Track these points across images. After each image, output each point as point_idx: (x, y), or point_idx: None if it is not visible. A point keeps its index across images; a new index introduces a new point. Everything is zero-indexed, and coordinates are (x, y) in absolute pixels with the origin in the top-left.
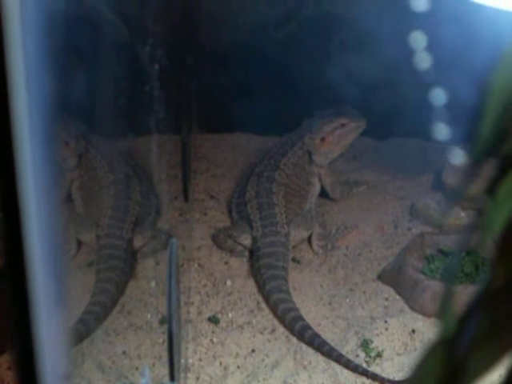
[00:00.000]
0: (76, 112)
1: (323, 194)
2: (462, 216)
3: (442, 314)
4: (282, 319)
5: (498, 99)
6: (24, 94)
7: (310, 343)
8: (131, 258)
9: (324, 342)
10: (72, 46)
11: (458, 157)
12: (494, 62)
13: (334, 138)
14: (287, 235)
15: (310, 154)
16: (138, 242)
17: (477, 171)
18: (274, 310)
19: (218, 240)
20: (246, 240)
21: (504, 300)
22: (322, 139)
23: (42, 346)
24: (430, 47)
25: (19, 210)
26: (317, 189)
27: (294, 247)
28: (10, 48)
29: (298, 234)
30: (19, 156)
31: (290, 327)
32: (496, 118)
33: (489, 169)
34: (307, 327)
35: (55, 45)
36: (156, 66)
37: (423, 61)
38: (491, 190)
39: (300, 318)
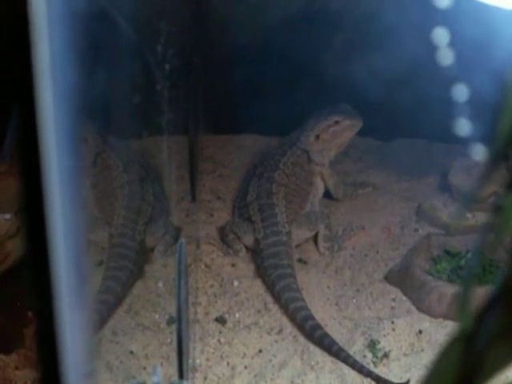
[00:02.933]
0: (90, 111)
1: (328, 195)
2: (468, 217)
3: (459, 310)
4: (292, 318)
5: None
6: (50, 88)
7: (319, 342)
8: (141, 259)
9: (333, 342)
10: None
11: (470, 156)
12: None
13: (328, 136)
14: (288, 234)
15: (307, 152)
16: (150, 243)
17: (494, 170)
18: (285, 308)
19: (223, 232)
20: (249, 241)
21: None
22: (317, 137)
23: (66, 344)
24: (442, 46)
25: (44, 211)
26: (319, 189)
27: (297, 246)
28: (37, 42)
29: (300, 234)
30: (44, 152)
31: (300, 326)
32: None
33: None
34: (317, 327)
35: (76, 43)
36: (166, 67)
37: (435, 60)
38: (508, 188)
39: (310, 317)
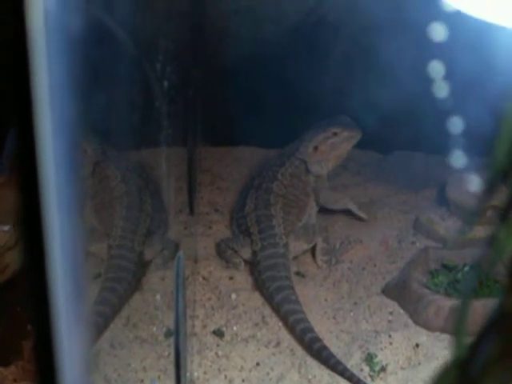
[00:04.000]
0: (89, 125)
1: (326, 208)
2: (466, 231)
3: (455, 335)
4: (292, 330)
5: None
6: (48, 116)
7: (317, 355)
8: (140, 271)
9: (331, 355)
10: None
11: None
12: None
13: (326, 147)
14: (286, 245)
15: (306, 163)
16: (148, 255)
17: (491, 194)
18: (284, 320)
19: (220, 249)
20: (246, 254)
21: None
22: (315, 148)
23: (64, 357)
24: (438, 62)
25: (41, 222)
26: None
27: (294, 259)
28: (36, 70)
29: (298, 246)
30: (42, 164)
31: (299, 338)
32: (510, 145)
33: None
34: (316, 339)
35: (75, 65)
36: (165, 83)
37: (432, 75)
38: (504, 215)
39: (310, 329)
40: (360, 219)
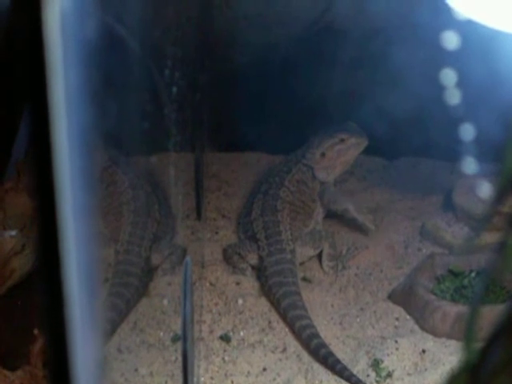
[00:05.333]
0: (98, 130)
1: (332, 214)
2: (474, 238)
3: (465, 340)
4: (298, 336)
5: None
6: (65, 125)
7: (323, 361)
8: (147, 276)
9: (337, 361)
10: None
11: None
12: None
13: (333, 153)
14: (293, 251)
15: (312, 170)
16: (155, 261)
17: (501, 201)
18: (291, 326)
19: (226, 254)
20: (253, 259)
21: None
22: (322, 154)
23: (76, 361)
24: (446, 68)
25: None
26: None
27: (301, 265)
28: (53, 79)
29: (304, 252)
30: (59, 185)
31: (305, 344)
32: None
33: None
34: (322, 345)
35: (90, 73)
36: (173, 90)
37: (440, 81)
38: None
39: (316, 335)
40: (365, 230)
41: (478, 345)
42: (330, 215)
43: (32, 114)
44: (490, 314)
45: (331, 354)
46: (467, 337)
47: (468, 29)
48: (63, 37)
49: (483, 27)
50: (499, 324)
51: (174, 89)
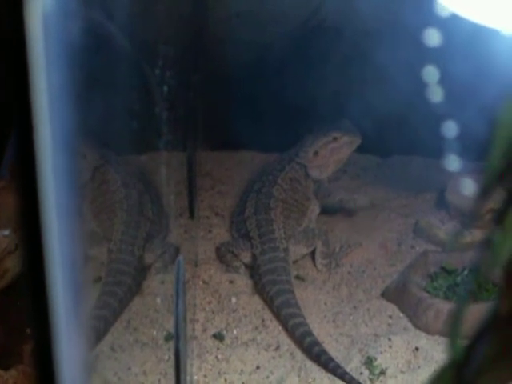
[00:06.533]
0: (89, 130)
1: (326, 211)
2: (465, 234)
3: (450, 337)
4: (291, 334)
5: (507, 132)
6: (48, 127)
7: (317, 359)
8: (140, 275)
9: (331, 359)
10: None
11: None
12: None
13: (326, 152)
14: (286, 250)
15: (306, 168)
16: (148, 259)
17: (487, 198)
18: (284, 324)
19: (220, 253)
20: (246, 258)
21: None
22: (316, 153)
23: (63, 361)
24: (436, 66)
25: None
26: (317, 205)
27: (294, 263)
28: (35, 80)
29: (297, 250)
30: (42, 168)
31: (299, 342)
32: (504, 150)
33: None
34: (316, 343)
35: (75, 70)
36: (165, 88)
37: (429, 78)
38: (499, 221)
39: (309, 333)
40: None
41: (466, 342)
42: (324, 213)
43: (15, 116)
44: (482, 312)
45: (324, 351)
46: (452, 334)
47: (457, 25)
48: (46, 37)
49: (471, 24)
50: (484, 321)
51: (166, 87)
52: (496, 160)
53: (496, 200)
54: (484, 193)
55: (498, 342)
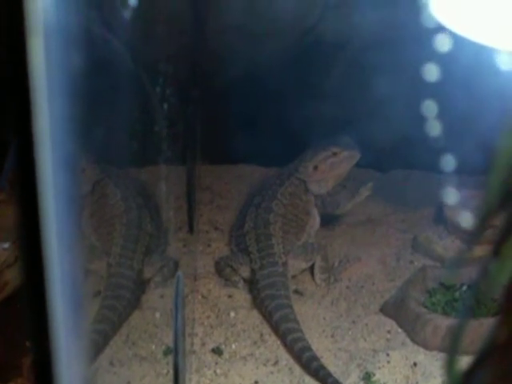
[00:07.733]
0: (89, 144)
1: (325, 226)
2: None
3: (450, 355)
4: (290, 348)
5: (506, 161)
6: (48, 139)
7: (315, 374)
8: (139, 289)
9: (329, 374)
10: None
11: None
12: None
13: (326, 167)
14: (285, 264)
15: (305, 183)
16: (147, 274)
17: (485, 226)
18: (282, 339)
19: (219, 267)
20: (245, 272)
21: (510, 353)
22: (315, 167)
23: (62, 375)
24: (436, 81)
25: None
26: (316, 220)
27: (293, 277)
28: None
29: (296, 265)
30: (42, 181)
31: (297, 357)
32: (503, 178)
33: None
34: (314, 358)
35: (77, 87)
36: (165, 106)
37: (433, 90)
38: (496, 249)
39: (308, 348)
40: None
41: (466, 358)
42: (323, 227)
43: (15, 127)
44: (481, 328)
45: (323, 367)
46: (452, 352)
47: (457, 43)
48: (47, 52)
49: (471, 42)
50: (483, 347)
51: (166, 103)
52: (495, 189)
53: (496, 217)
54: (486, 213)
55: (497, 368)
